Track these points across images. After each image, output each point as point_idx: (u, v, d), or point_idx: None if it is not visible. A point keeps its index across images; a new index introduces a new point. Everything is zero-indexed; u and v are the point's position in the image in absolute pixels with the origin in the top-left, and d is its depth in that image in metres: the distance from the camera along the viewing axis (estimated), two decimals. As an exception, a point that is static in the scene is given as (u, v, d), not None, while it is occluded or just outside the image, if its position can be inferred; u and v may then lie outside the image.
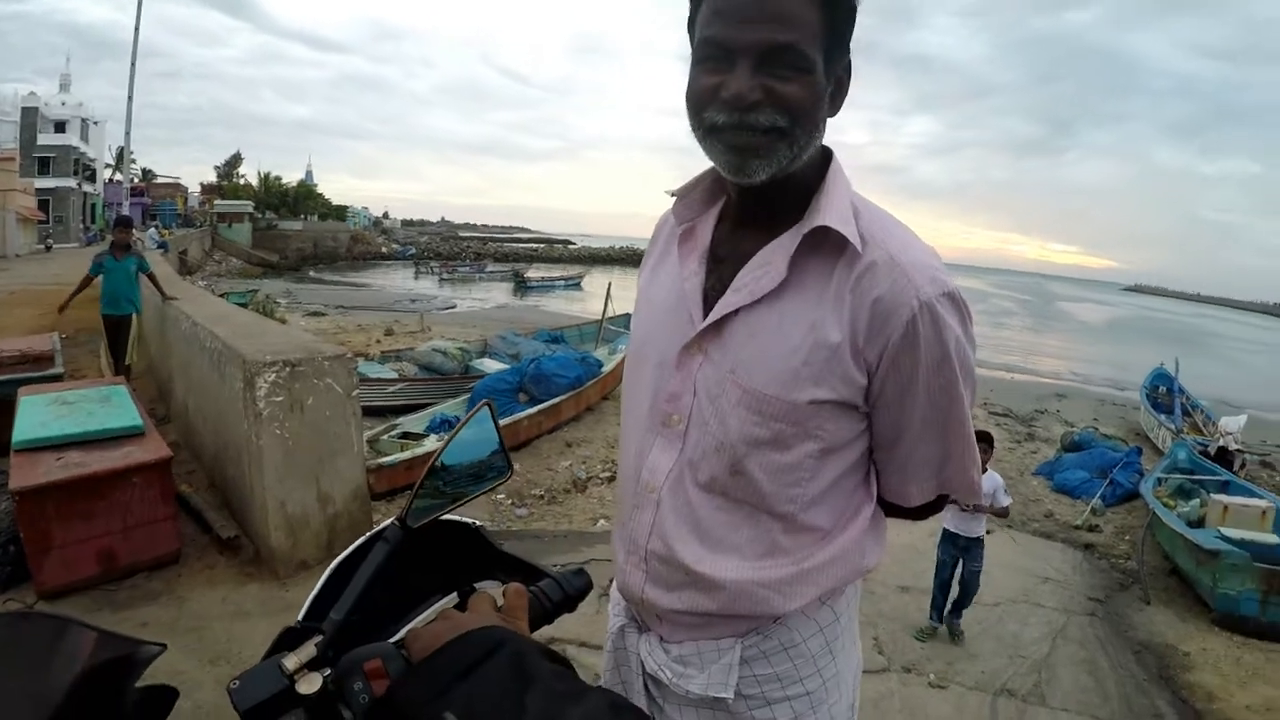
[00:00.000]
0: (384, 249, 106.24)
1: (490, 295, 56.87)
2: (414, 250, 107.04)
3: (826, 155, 1.74)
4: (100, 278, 12.71)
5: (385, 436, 12.82)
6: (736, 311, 1.69)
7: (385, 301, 44.35)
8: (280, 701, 1.03)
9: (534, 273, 73.81)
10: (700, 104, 1.61)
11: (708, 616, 1.80)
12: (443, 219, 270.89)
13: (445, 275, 74.06)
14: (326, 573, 1.34)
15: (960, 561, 6.80)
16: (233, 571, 6.28)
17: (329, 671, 1.08)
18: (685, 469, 1.78)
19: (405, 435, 13.24)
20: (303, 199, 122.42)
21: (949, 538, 6.83)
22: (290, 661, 1.06)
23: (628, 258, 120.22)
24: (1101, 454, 14.28)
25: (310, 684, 1.04)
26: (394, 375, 17.65)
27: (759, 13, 1.52)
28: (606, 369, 17.56)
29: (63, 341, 11.84)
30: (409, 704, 0.97)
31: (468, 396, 15.34)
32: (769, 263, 1.67)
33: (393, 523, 1.32)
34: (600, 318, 23.56)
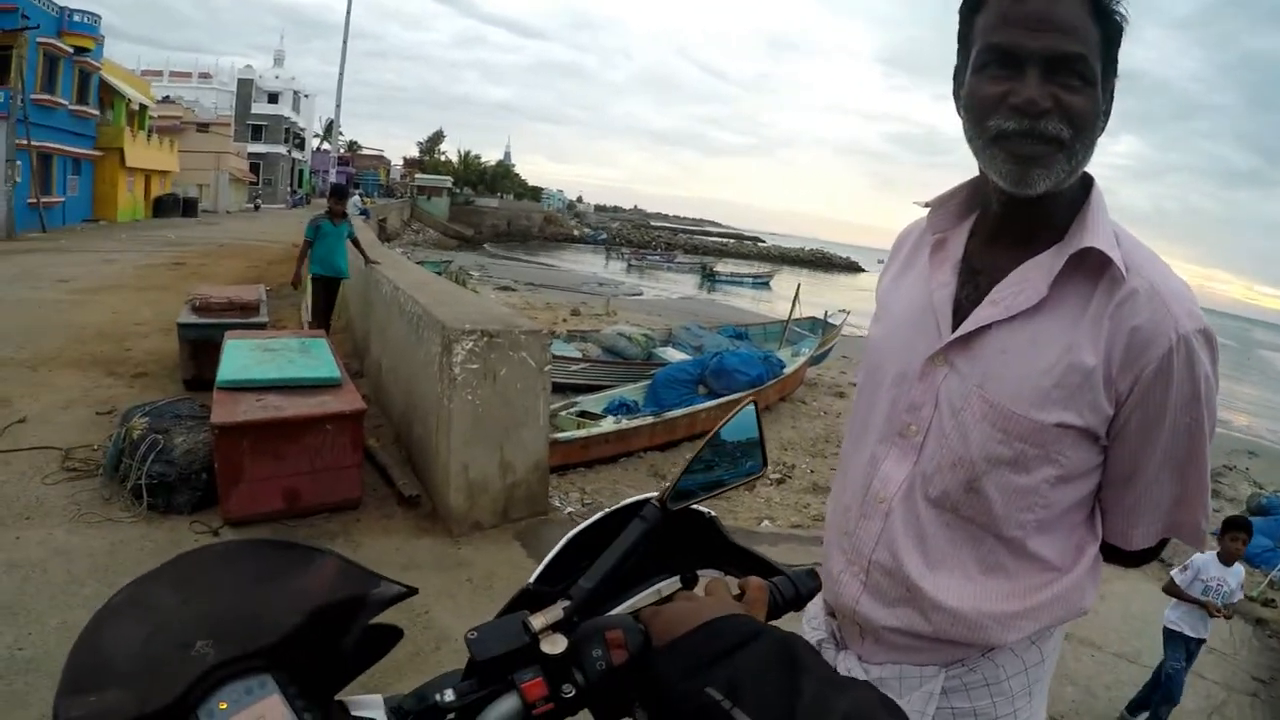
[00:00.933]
0: (575, 232, 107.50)
1: (677, 286, 57.07)
2: (605, 235, 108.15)
3: (1086, 180, 1.71)
4: (315, 240, 12.56)
5: (564, 413, 12.88)
6: (989, 326, 1.67)
7: (573, 283, 44.78)
8: (517, 657, 1.04)
9: (723, 267, 73.91)
10: (985, 111, 1.60)
11: (919, 639, 1.78)
12: (636, 207, 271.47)
13: (635, 262, 74.92)
14: (564, 540, 1.32)
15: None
16: (408, 524, 6.47)
17: (570, 635, 1.08)
18: (918, 481, 1.76)
19: (583, 414, 13.32)
20: (500, 178, 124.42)
21: (1178, 640, 5.63)
22: (537, 621, 1.07)
23: (817, 260, 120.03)
24: (1290, 523, 13.41)
25: (555, 645, 1.04)
26: (578, 355, 17.70)
27: (1050, 22, 1.51)
28: (788, 370, 17.30)
29: (267, 294, 12.28)
30: (664, 678, 0.98)
31: (649, 383, 15.36)
32: (1028, 279, 1.65)
33: (651, 502, 1.31)
34: (786, 318, 23.29)
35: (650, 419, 12.88)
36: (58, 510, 6.03)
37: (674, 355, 18.45)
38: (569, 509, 7.50)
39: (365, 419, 6.66)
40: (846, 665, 1.89)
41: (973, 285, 1.75)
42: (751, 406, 1.46)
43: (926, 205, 1.91)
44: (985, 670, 1.78)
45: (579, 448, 11.14)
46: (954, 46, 1.72)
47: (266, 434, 5.98)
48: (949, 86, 1.74)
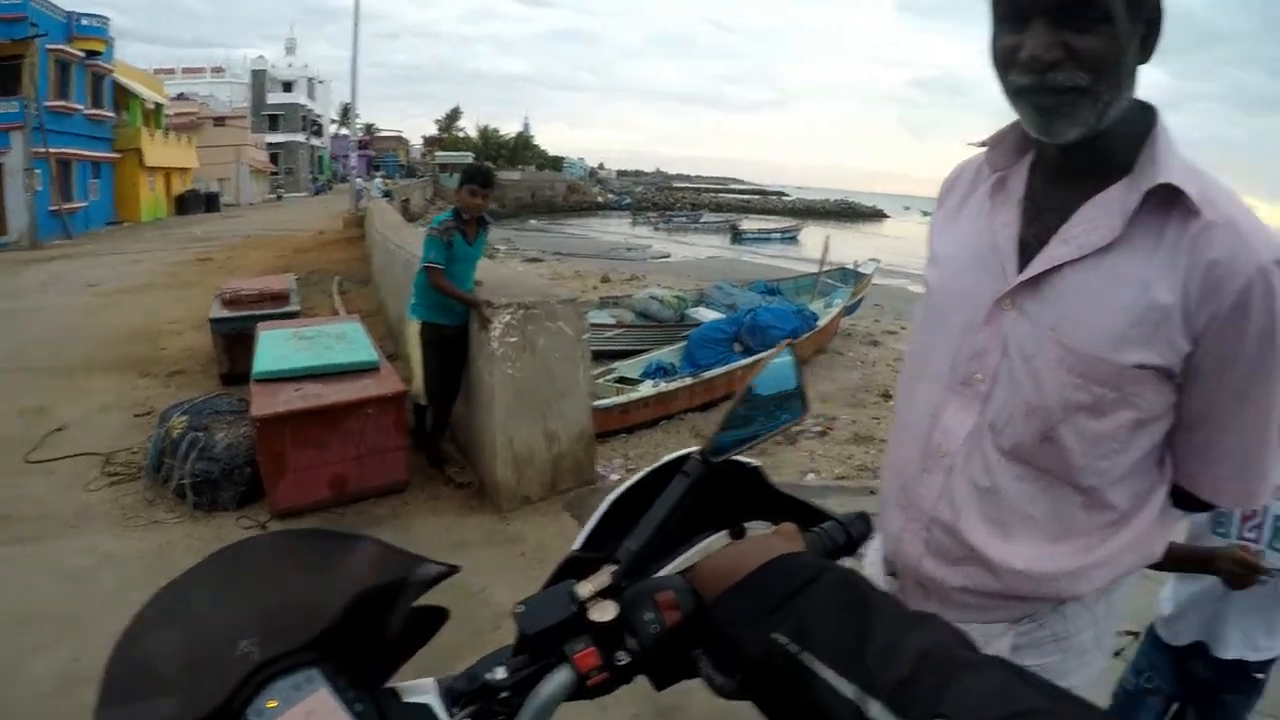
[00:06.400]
0: (600, 199, 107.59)
1: (705, 245, 57.06)
2: (629, 200, 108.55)
3: (1149, 111, 1.63)
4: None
5: (601, 380, 12.88)
6: (1060, 266, 1.60)
7: (601, 249, 44.87)
8: (567, 628, 1.02)
9: (749, 224, 74.22)
10: (1003, 66, 1.56)
11: (986, 596, 1.75)
12: (657, 169, 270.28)
13: (662, 225, 75.17)
14: (607, 503, 1.29)
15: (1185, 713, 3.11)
16: (456, 503, 6.49)
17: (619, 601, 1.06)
18: (986, 432, 1.71)
19: (621, 380, 13.43)
20: (520, 150, 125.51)
21: (1163, 653, 3.03)
22: (583, 589, 1.04)
23: (843, 211, 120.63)
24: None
25: (604, 612, 1.02)
26: (611, 321, 17.82)
27: None
28: (822, 322, 17.45)
29: (296, 282, 12.34)
30: (728, 625, 0.95)
31: (684, 344, 15.45)
32: (1099, 216, 1.58)
33: (694, 456, 1.27)
34: (817, 271, 23.31)
35: (688, 380, 12.91)
36: (103, 516, 6.07)
37: (707, 315, 18.42)
38: (614, 476, 7.53)
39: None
40: None
41: (1039, 224, 1.68)
42: (788, 352, 1.45)
43: (982, 145, 1.84)
44: (1055, 625, 1.76)
45: (619, 414, 11.19)
46: None
47: (308, 423, 5.97)
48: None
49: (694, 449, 1.29)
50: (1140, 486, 1.70)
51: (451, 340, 7.00)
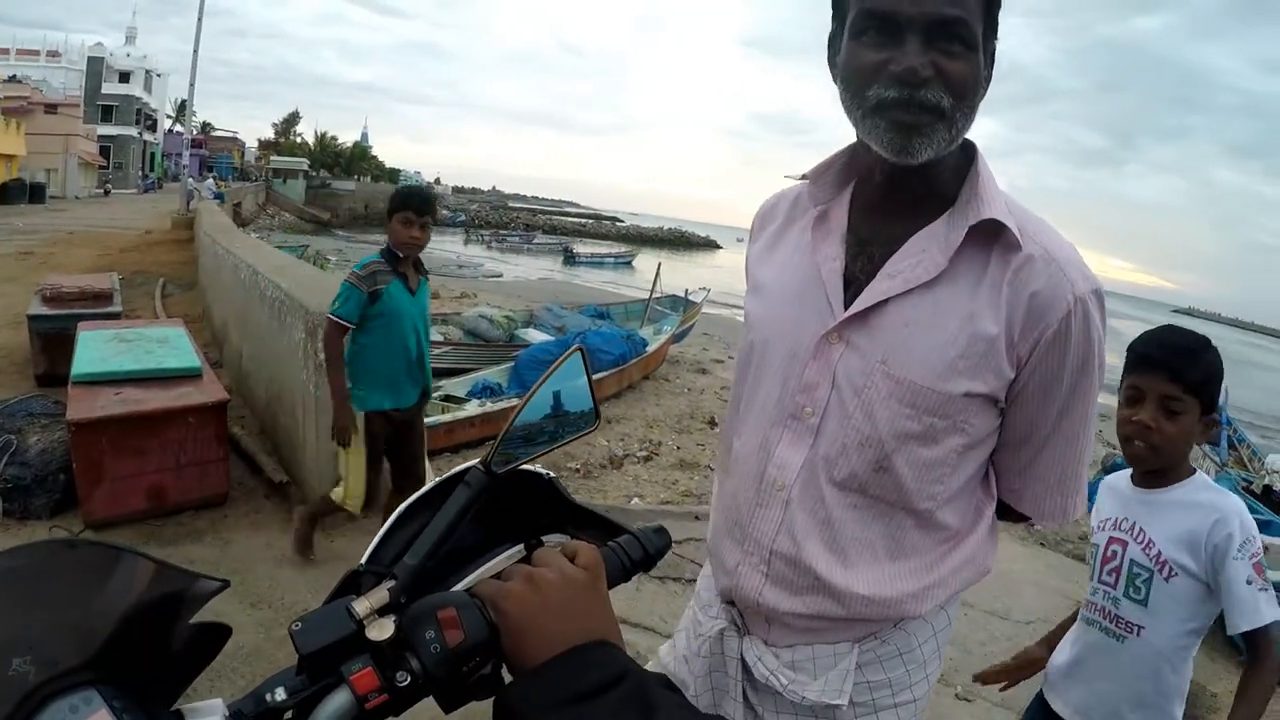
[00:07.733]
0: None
1: (538, 267, 56.84)
2: (464, 217, 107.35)
3: (968, 146, 1.69)
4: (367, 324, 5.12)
5: (428, 398, 12.67)
6: (887, 300, 1.63)
7: (432, 265, 43.40)
8: (346, 646, 0.98)
9: (583, 248, 74.06)
10: (864, 80, 1.56)
11: (831, 620, 1.76)
12: (494, 188, 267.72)
13: (495, 244, 74.68)
14: (394, 516, 1.26)
15: None
16: (278, 518, 6.31)
17: (399, 618, 1.02)
18: (819, 465, 1.71)
19: (447, 398, 13.20)
20: (357, 160, 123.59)
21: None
22: (360, 606, 1.01)
23: (676, 240, 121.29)
24: (1143, 480, 13.09)
25: (382, 630, 0.98)
26: (439, 338, 17.38)
27: None
28: (651, 348, 17.48)
29: (120, 282, 11.93)
30: (524, 704, 0.93)
31: (511, 365, 15.33)
32: (924, 250, 1.63)
33: (475, 466, 1.25)
34: (647, 297, 23.33)
35: (515, 401, 12.47)
36: (-97, 521, 5.75)
37: (536, 336, 18.41)
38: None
39: (229, 410, 6.51)
40: (755, 653, 1.85)
41: (864, 257, 1.71)
42: (578, 355, 1.40)
43: (803, 178, 1.86)
44: (898, 641, 1.79)
45: (444, 432, 11.11)
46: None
47: (126, 429, 5.79)
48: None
49: (477, 460, 1.27)
50: (970, 505, 1.78)
51: (404, 425, 5.52)
